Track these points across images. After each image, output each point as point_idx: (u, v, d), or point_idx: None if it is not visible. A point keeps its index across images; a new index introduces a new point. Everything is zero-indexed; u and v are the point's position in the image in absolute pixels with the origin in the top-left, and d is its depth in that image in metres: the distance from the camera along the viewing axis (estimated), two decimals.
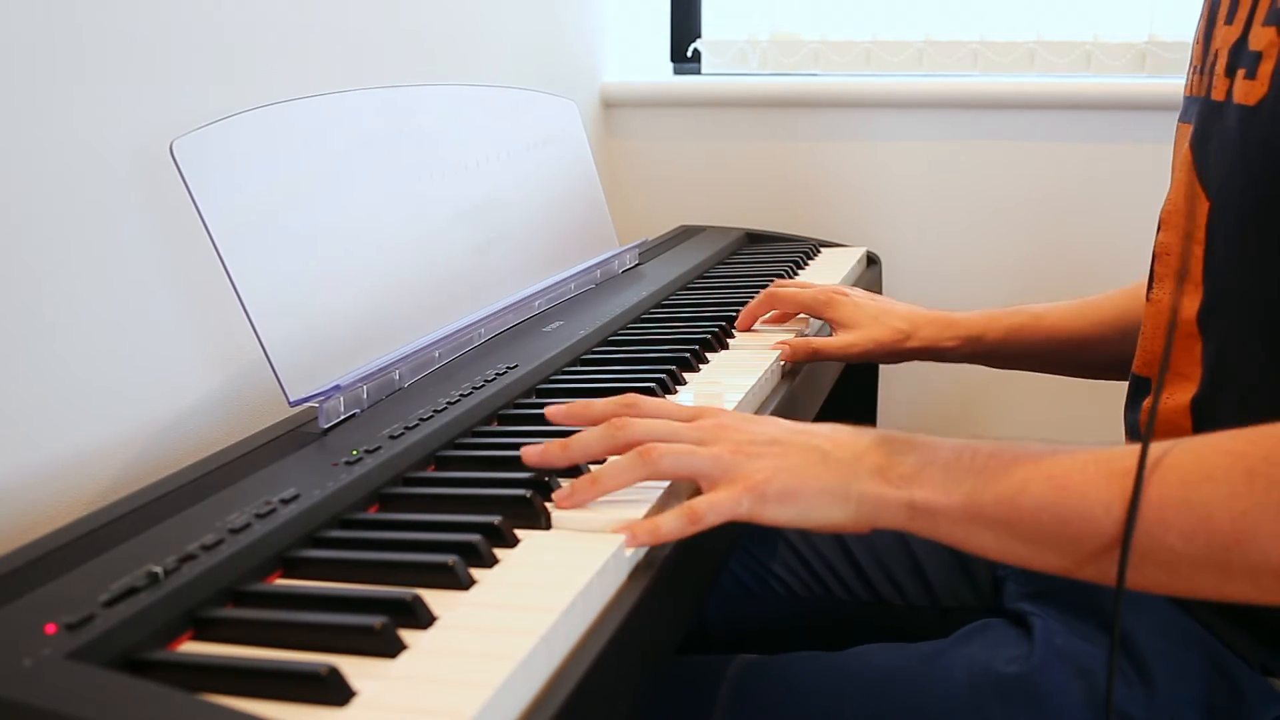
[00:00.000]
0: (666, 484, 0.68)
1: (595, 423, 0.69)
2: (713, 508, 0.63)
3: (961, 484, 0.61)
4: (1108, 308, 1.03)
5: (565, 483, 0.67)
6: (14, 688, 0.45)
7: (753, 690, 0.82)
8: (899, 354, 1.04)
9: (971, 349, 1.05)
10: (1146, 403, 0.82)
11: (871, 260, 1.54)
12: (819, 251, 1.51)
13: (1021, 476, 0.60)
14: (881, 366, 1.58)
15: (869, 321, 1.03)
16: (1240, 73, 0.70)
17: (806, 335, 1.05)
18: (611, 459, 0.67)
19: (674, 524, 0.62)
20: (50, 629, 0.49)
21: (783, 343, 1.00)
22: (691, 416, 0.69)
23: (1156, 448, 0.57)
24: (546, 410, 0.72)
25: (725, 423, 0.68)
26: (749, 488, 0.63)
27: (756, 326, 1.08)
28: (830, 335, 1.05)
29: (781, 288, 1.09)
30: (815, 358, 1.01)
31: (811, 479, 0.63)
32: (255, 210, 0.80)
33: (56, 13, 0.81)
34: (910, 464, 0.63)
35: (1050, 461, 0.60)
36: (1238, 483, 0.54)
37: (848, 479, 0.63)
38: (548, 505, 0.66)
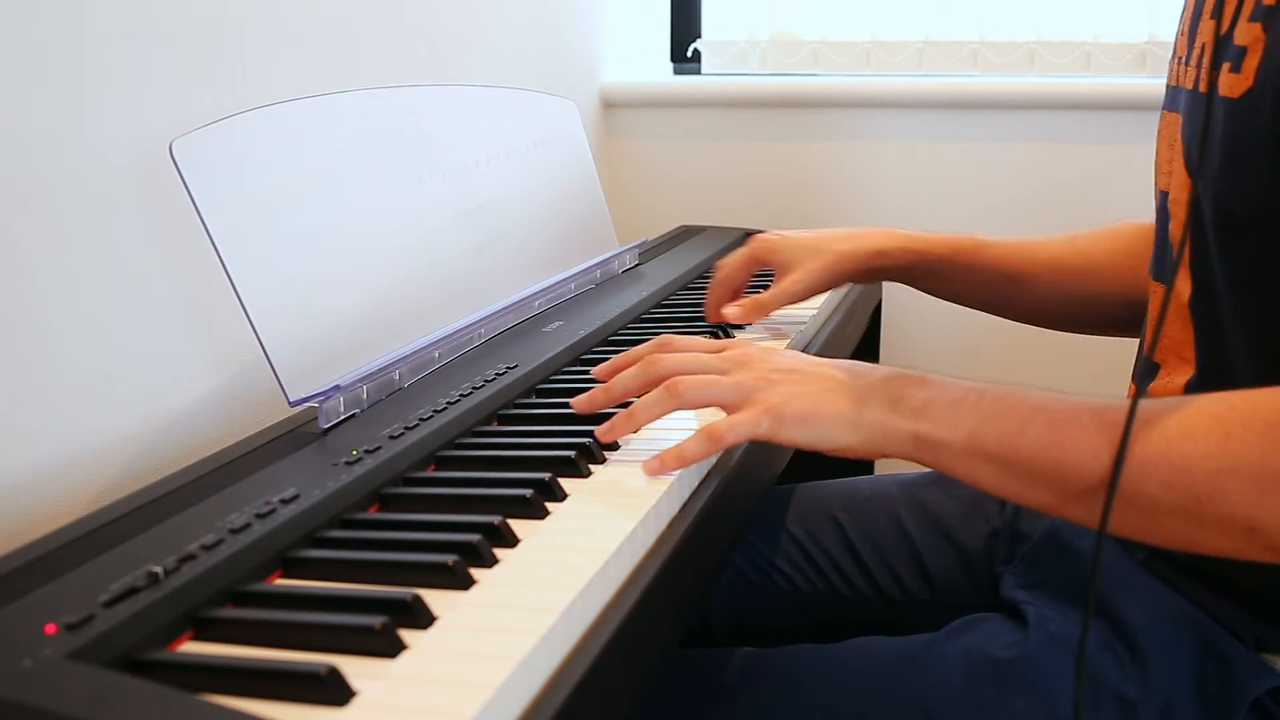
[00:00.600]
0: (667, 484, 0.68)
1: (632, 364, 0.75)
2: (733, 428, 0.68)
3: (966, 420, 0.65)
4: (1047, 250, 1.05)
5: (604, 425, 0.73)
6: (14, 688, 0.45)
7: (752, 682, 0.82)
8: (841, 276, 1.05)
9: (913, 261, 1.06)
10: (1153, 385, 0.83)
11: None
12: None
13: (1022, 418, 0.64)
14: (883, 362, 1.58)
15: (808, 254, 1.04)
16: (1225, 66, 0.71)
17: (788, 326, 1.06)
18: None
19: (697, 446, 0.68)
20: (50, 629, 0.49)
21: (732, 305, 1.02)
22: (720, 349, 0.75)
23: (1146, 405, 0.61)
24: (594, 370, 0.80)
25: (750, 353, 0.73)
26: (767, 409, 0.68)
27: (751, 326, 1.07)
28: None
29: (722, 265, 1.09)
30: (766, 310, 1.03)
31: (827, 404, 0.68)
32: (255, 210, 0.80)
33: (56, 13, 0.81)
34: (920, 398, 0.67)
35: (1050, 407, 0.64)
36: (1214, 442, 0.58)
37: (860, 407, 0.68)
38: (548, 505, 0.66)
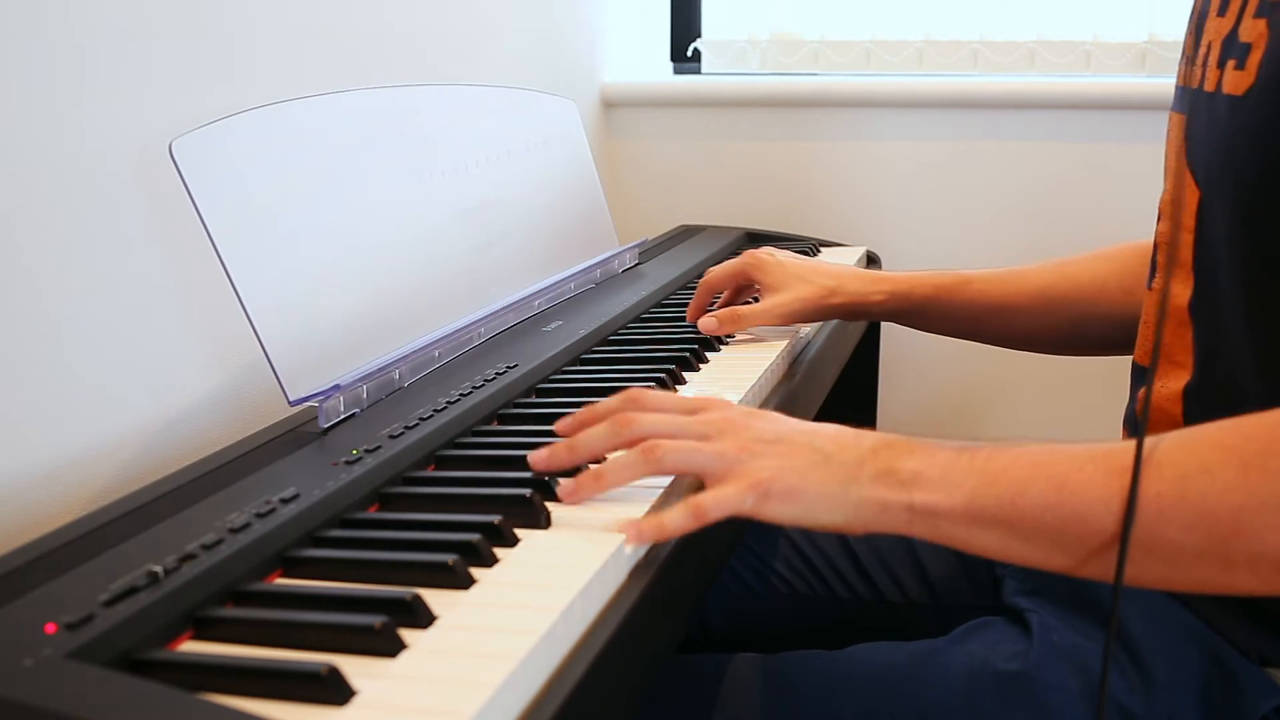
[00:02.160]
0: (668, 481, 0.68)
1: (600, 421, 0.70)
2: (717, 503, 0.63)
3: (961, 486, 0.61)
4: (1033, 279, 1.04)
5: (567, 482, 0.67)
6: (14, 688, 0.45)
7: (752, 688, 0.82)
8: (825, 310, 1.04)
9: (898, 303, 1.04)
10: (1141, 392, 0.82)
11: (871, 260, 1.54)
12: (819, 251, 1.51)
13: (1021, 477, 0.60)
14: (882, 364, 1.58)
15: (794, 281, 1.03)
16: (1230, 63, 0.71)
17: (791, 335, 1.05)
18: (616, 454, 0.68)
19: (679, 520, 0.63)
20: (50, 629, 0.49)
21: (709, 315, 1.01)
22: (695, 409, 0.69)
23: (1149, 442, 0.58)
24: (556, 425, 0.72)
25: (731, 417, 0.68)
26: (753, 485, 0.63)
27: (751, 330, 1.07)
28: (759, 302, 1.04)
29: (711, 280, 1.08)
30: (742, 324, 1.01)
31: (814, 480, 0.64)
32: (255, 210, 0.80)
33: (56, 13, 0.81)
34: (910, 468, 0.63)
35: (1049, 461, 0.61)
36: (1233, 476, 0.55)
37: (849, 482, 0.64)
38: (548, 505, 0.66)
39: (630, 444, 0.67)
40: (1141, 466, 0.57)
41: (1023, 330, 1.05)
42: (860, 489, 0.63)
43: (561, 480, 0.68)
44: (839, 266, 1.07)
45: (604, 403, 0.71)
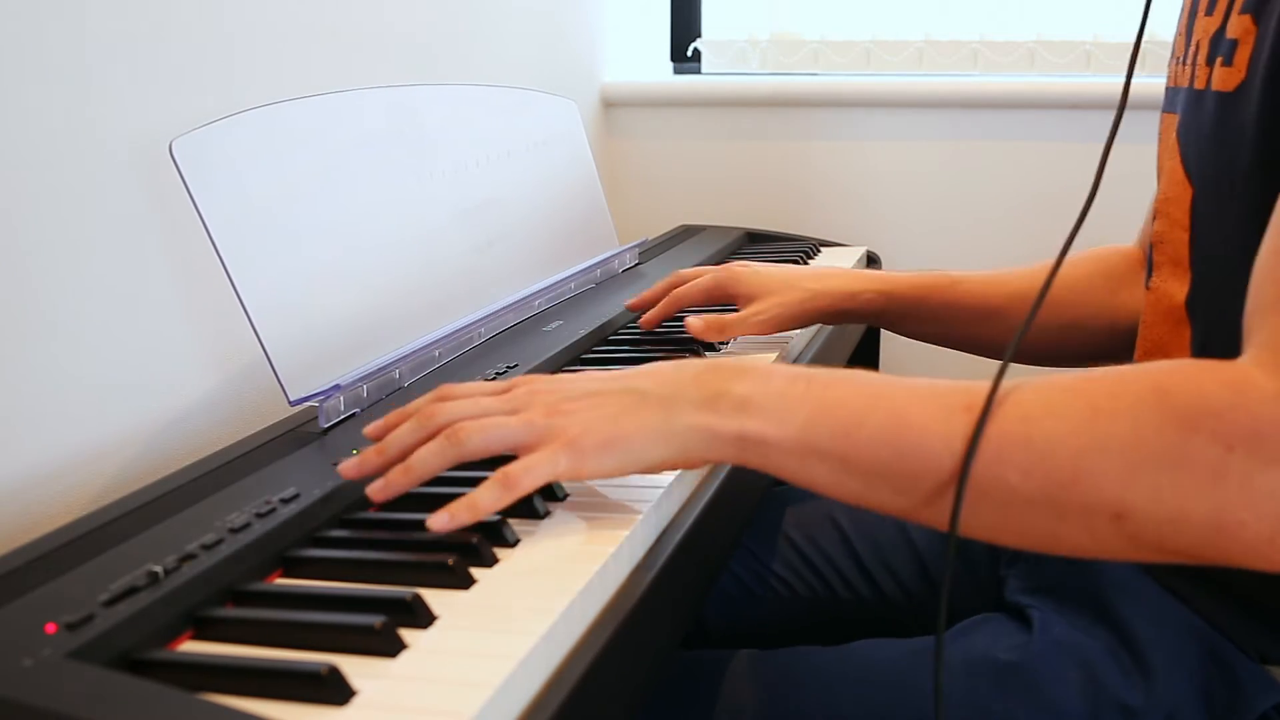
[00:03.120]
0: (669, 480, 0.68)
1: (407, 419, 0.66)
2: (528, 470, 0.60)
3: (796, 414, 0.59)
4: (1022, 281, 1.01)
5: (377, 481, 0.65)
6: (14, 688, 0.45)
7: (753, 683, 0.82)
8: (809, 314, 1.01)
9: (884, 304, 1.02)
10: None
11: (871, 260, 1.54)
12: (819, 251, 1.51)
13: (859, 408, 0.58)
14: (882, 365, 1.58)
15: (777, 288, 1.00)
16: (1219, 61, 0.71)
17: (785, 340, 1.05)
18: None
19: (490, 494, 0.60)
20: (50, 629, 0.49)
21: (696, 316, 0.97)
22: (503, 390, 0.66)
23: (1007, 384, 0.56)
24: (365, 430, 0.69)
25: (537, 388, 0.65)
26: (564, 444, 0.60)
27: (697, 334, 1.00)
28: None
29: (680, 281, 1.04)
30: (727, 333, 0.98)
31: (630, 422, 0.61)
32: (255, 210, 0.80)
33: (57, 13, 0.81)
34: (740, 392, 0.60)
35: (889, 394, 0.58)
36: (1080, 418, 0.53)
37: (671, 414, 0.61)
38: (549, 505, 0.66)
39: (437, 433, 0.63)
40: (991, 405, 0.55)
41: (1007, 335, 1.01)
42: (685, 417, 0.60)
43: (373, 483, 0.64)
44: (821, 269, 1.04)
45: (412, 403, 0.68)
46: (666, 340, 1.02)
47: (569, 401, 0.63)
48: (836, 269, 1.05)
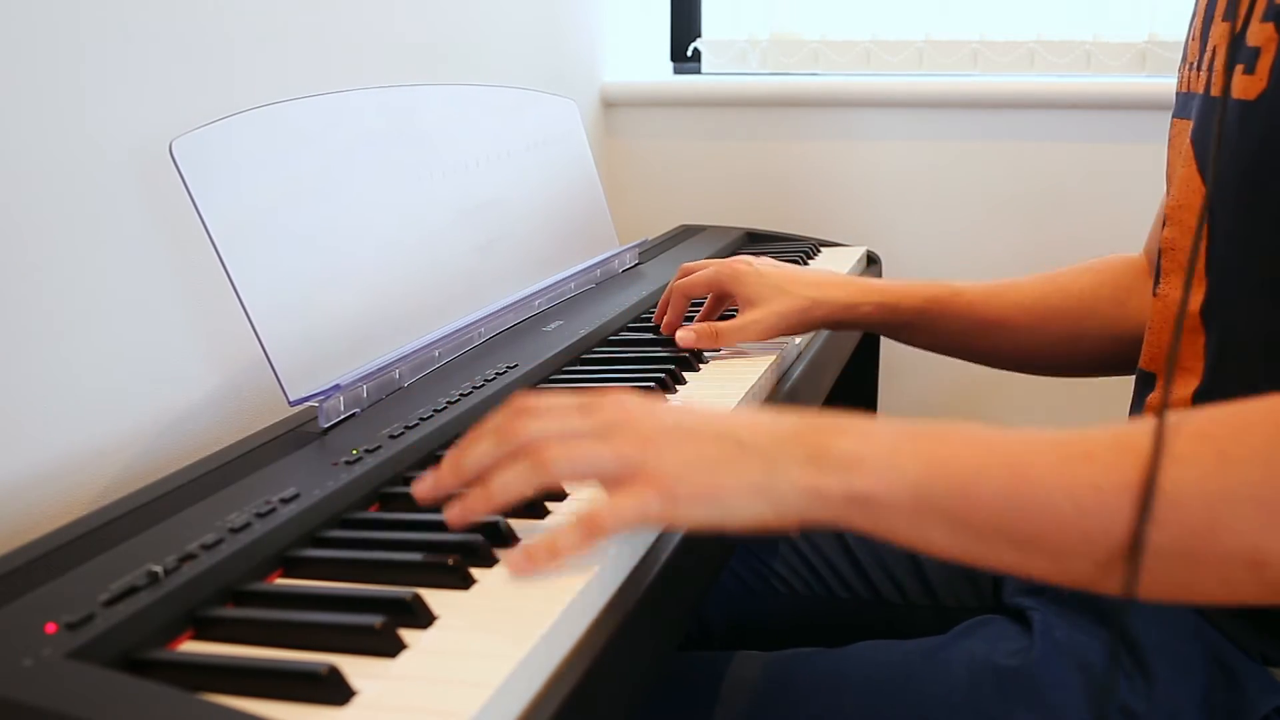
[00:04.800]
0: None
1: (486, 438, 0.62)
2: (616, 515, 0.57)
3: (907, 472, 0.54)
4: (1026, 292, 1.00)
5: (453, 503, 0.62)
6: (14, 688, 0.45)
7: (753, 686, 0.82)
8: (807, 323, 0.99)
9: (885, 316, 0.99)
10: (1152, 397, 0.81)
11: (871, 260, 1.54)
12: (819, 251, 1.51)
13: (975, 463, 0.54)
14: (883, 363, 1.58)
15: (773, 294, 0.97)
16: (1239, 68, 0.71)
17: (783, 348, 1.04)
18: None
19: (572, 539, 0.57)
20: (50, 629, 0.50)
21: (687, 329, 0.97)
22: (589, 409, 0.61)
23: (1126, 431, 0.53)
24: (445, 456, 0.63)
25: (628, 411, 0.60)
26: (659, 489, 0.56)
27: (688, 345, 1.00)
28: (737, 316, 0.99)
29: (683, 276, 1.02)
30: (720, 341, 0.96)
31: (729, 473, 0.57)
32: (255, 210, 0.80)
33: (57, 12, 0.81)
34: (847, 449, 0.56)
35: (1005, 447, 0.55)
36: (1209, 464, 0.51)
37: (772, 470, 0.56)
38: (549, 505, 0.66)
39: (518, 454, 0.59)
40: (1112, 455, 0.52)
41: (1014, 346, 1.01)
42: (787, 476, 0.56)
43: (450, 505, 0.60)
44: (822, 275, 1.01)
45: (490, 419, 0.63)
46: (667, 341, 1.02)
47: (663, 435, 0.58)
48: (838, 276, 1.02)
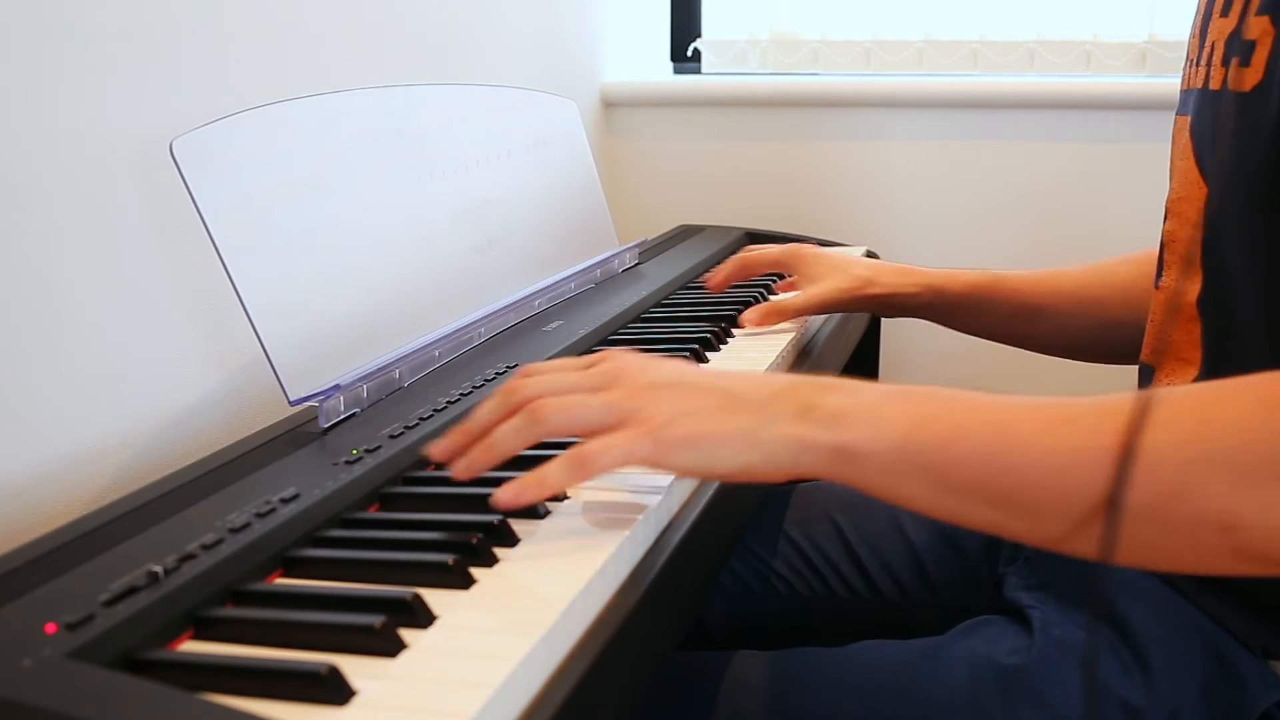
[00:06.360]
0: (666, 484, 0.68)
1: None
2: (606, 450, 0.59)
3: (893, 428, 0.57)
4: (1068, 279, 1.04)
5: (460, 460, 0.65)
6: (14, 688, 0.45)
7: (753, 685, 0.82)
8: (861, 300, 1.06)
9: (932, 298, 1.06)
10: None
11: (871, 259, 1.54)
12: None
13: (958, 421, 0.56)
14: (882, 365, 1.58)
15: (832, 272, 1.05)
16: (1235, 61, 0.71)
17: (797, 331, 1.05)
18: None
19: (561, 472, 0.59)
20: (50, 629, 0.49)
21: (751, 310, 1.04)
22: (589, 364, 0.65)
23: (1113, 399, 0.54)
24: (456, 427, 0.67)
25: (625, 364, 0.63)
26: (647, 431, 0.59)
27: (753, 324, 1.07)
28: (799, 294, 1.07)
29: (750, 252, 1.12)
30: (782, 317, 1.03)
31: (719, 421, 0.59)
32: (255, 209, 0.80)
33: (57, 11, 0.81)
34: (835, 404, 0.58)
35: (989, 408, 0.56)
36: (1186, 431, 0.52)
37: (761, 421, 0.59)
38: (549, 504, 0.66)
39: (518, 410, 0.62)
40: (1093, 419, 0.53)
41: (1054, 332, 1.05)
42: (776, 427, 0.58)
43: (456, 461, 0.64)
44: (873, 260, 1.10)
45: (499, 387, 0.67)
46: (667, 340, 1.02)
47: (655, 387, 0.61)
48: (887, 263, 1.11)
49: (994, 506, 0.55)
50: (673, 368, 0.64)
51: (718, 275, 1.12)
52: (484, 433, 0.63)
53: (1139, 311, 0.98)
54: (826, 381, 0.61)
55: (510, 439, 0.62)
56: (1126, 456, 0.51)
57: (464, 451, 0.64)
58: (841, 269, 1.06)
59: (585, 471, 0.59)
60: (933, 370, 1.81)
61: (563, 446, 0.62)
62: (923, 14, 1.80)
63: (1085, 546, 0.53)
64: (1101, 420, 0.53)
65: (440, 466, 0.74)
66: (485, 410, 0.64)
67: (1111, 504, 0.51)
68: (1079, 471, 0.53)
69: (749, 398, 0.60)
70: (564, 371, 0.65)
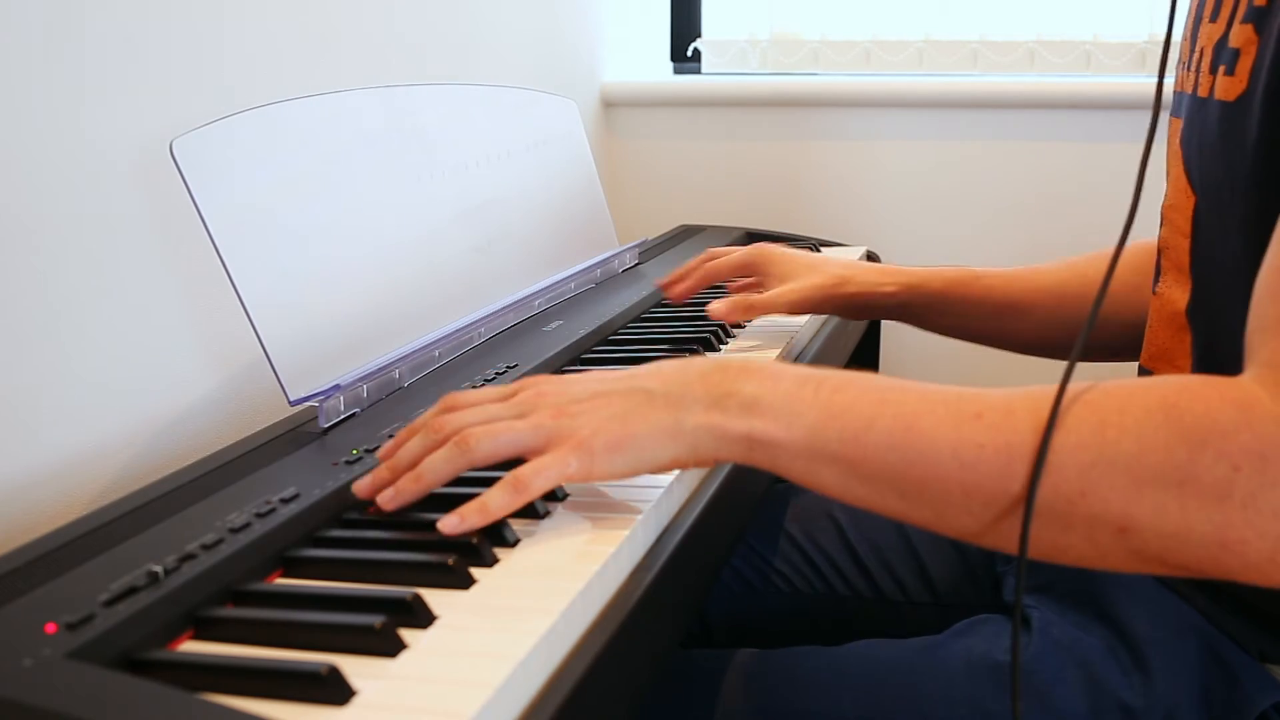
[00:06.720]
0: (670, 479, 0.68)
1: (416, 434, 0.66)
2: (539, 473, 0.61)
3: (804, 417, 0.59)
4: (1046, 277, 1.02)
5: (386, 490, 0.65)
6: (14, 688, 0.45)
7: (753, 683, 0.82)
8: (836, 300, 1.02)
9: (909, 296, 1.03)
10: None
11: (871, 260, 1.54)
12: (819, 251, 1.51)
13: (868, 413, 0.58)
14: (882, 365, 1.58)
15: (806, 270, 1.02)
16: (1221, 69, 0.71)
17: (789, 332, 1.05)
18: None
19: (501, 497, 0.60)
20: (50, 629, 0.49)
21: (719, 301, 0.99)
22: (509, 394, 0.66)
23: (1025, 393, 0.56)
24: (379, 452, 0.69)
25: (543, 390, 0.65)
26: (575, 446, 0.61)
27: (743, 333, 1.06)
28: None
29: (712, 258, 1.07)
30: (752, 313, 1.00)
31: (639, 422, 0.61)
32: (255, 209, 0.80)
33: (58, 13, 0.81)
34: (748, 392, 0.60)
35: (899, 399, 0.58)
36: (1088, 432, 0.53)
37: (679, 413, 0.61)
38: (549, 505, 0.66)
39: (443, 442, 0.63)
40: (999, 416, 0.54)
41: (1033, 330, 1.03)
42: (694, 416, 0.61)
43: (383, 492, 0.64)
44: (848, 259, 1.07)
45: (420, 417, 0.68)
46: (667, 340, 1.02)
47: (576, 403, 0.63)
48: (862, 262, 1.07)
49: (902, 498, 0.57)
50: (591, 379, 0.65)
51: (679, 285, 1.07)
52: (410, 466, 0.64)
53: (1121, 308, 0.97)
54: (742, 366, 0.62)
55: (440, 468, 0.63)
56: (1040, 458, 0.53)
57: (384, 486, 0.64)
58: (816, 267, 1.02)
59: (524, 494, 0.61)
60: (933, 371, 1.81)
61: (488, 483, 0.62)
62: (923, 14, 1.80)
63: (995, 540, 0.56)
64: (1006, 418, 0.55)
65: None
66: (412, 445, 0.65)
67: (1025, 502, 0.53)
68: (982, 468, 0.55)
69: (668, 392, 0.62)
70: (486, 404, 0.66)
